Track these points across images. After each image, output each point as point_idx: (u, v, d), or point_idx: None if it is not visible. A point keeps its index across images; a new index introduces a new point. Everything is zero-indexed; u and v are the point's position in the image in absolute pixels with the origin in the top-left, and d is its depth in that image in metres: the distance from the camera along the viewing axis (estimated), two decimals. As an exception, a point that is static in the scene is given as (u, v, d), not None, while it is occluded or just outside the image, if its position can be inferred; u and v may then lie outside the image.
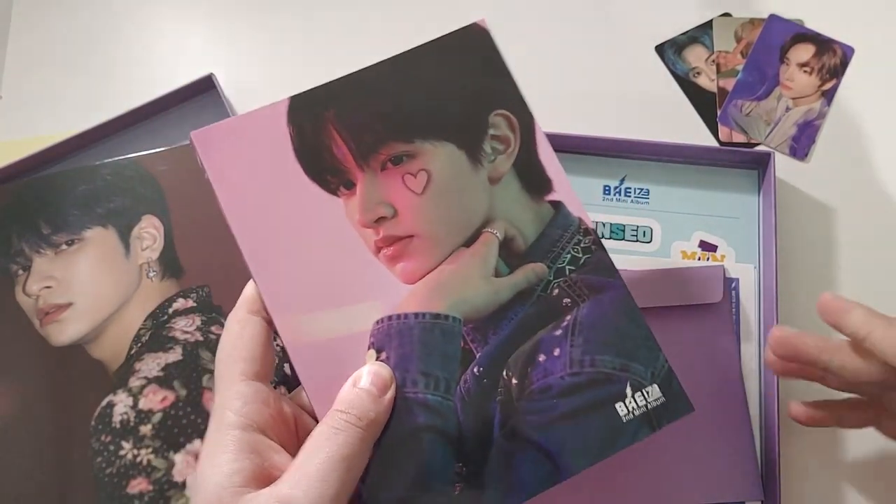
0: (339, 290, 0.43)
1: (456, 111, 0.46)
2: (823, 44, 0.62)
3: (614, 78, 0.63)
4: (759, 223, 0.57)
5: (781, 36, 0.63)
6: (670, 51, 0.63)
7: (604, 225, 0.57)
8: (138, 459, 0.49)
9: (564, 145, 0.58)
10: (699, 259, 0.56)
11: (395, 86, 0.46)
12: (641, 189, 0.58)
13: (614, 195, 0.58)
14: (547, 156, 0.46)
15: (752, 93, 0.62)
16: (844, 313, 0.43)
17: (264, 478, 0.36)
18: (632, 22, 0.64)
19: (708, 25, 0.64)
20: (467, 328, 0.42)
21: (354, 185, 0.44)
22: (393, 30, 0.65)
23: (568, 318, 0.43)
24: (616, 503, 0.51)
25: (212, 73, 0.60)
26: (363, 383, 0.39)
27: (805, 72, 0.62)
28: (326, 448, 0.36)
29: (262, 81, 0.64)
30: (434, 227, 0.44)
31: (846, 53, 0.62)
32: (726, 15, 0.64)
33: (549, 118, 0.61)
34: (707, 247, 0.57)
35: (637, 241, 0.57)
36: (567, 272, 0.44)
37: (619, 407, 0.42)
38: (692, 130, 0.61)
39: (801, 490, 0.52)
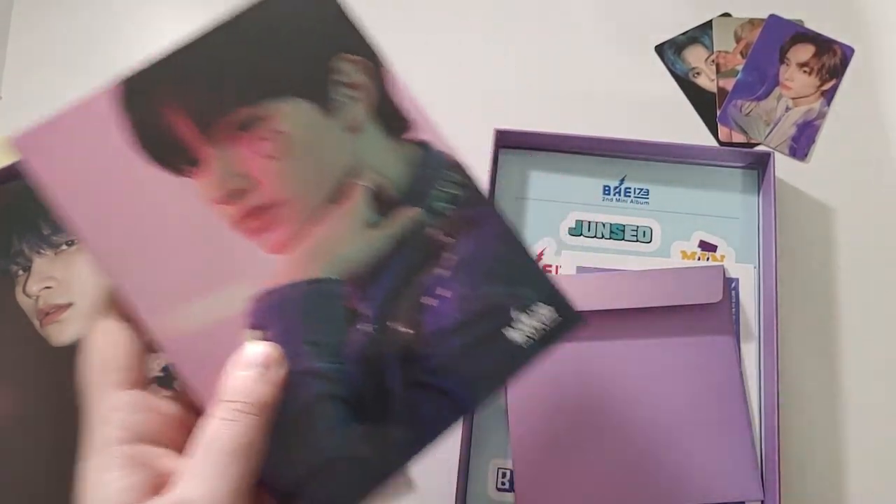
0: (207, 276, 0.41)
1: (298, 64, 0.44)
2: (823, 44, 0.62)
3: (614, 78, 0.63)
4: (758, 223, 0.57)
5: (781, 36, 0.63)
6: (670, 51, 0.63)
7: (604, 225, 0.57)
8: None
9: (564, 145, 0.59)
10: (699, 259, 0.56)
11: (229, 50, 0.43)
12: (641, 189, 0.58)
13: (614, 195, 0.58)
14: (403, 94, 0.44)
15: (751, 93, 0.62)
16: None
17: (159, 487, 0.34)
18: (632, 22, 0.64)
19: (707, 25, 0.64)
20: (348, 287, 0.41)
21: (203, 161, 0.41)
22: (392, 26, 0.65)
23: (449, 256, 0.42)
24: (616, 502, 0.51)
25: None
26: (247, 367, 0.38)
27: (805, 72, 0.62)
28: (219, 442, 0.35)
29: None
30: (296, 190, 0.42)
31: (846, 53, 0.62)
32: (726, 15, 0.64)
33: (550, 118, 0.62)
34: (707, 247, 0.57)
35: (637, 241, 0.57)
36: (442, 211, 0.43)
37: (512, 332, 0.42)
38: (692, 130, 0.61)
39: (801, 490, 0.52)
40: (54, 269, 0.54)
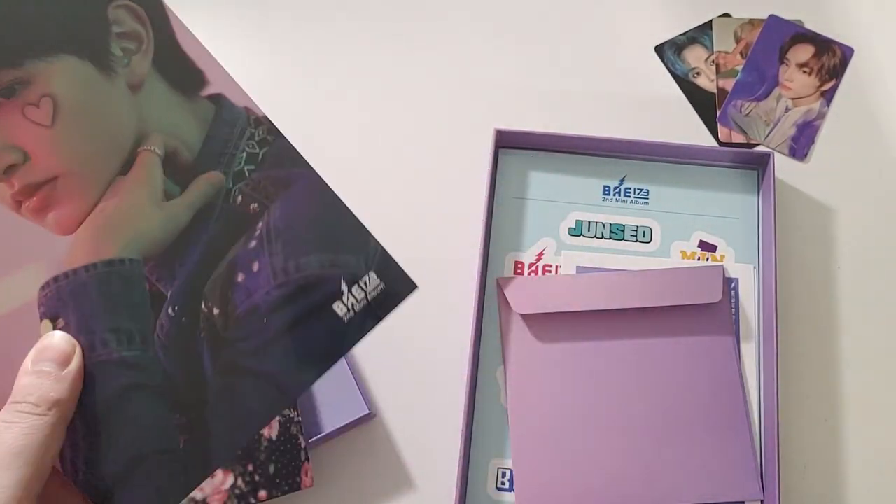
0: None
1: (66, 16, 0.38)
2: (823, 44, 0.63)
3: (614, 78, 0.63)
4: (758, 223, 0.57)
5: (781, 36, 0.63)
6: (670, 51, 0.63)
7: (604, 225, 0.57)
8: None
9: (564, 145, 0.59)
10: (699, 259, 0.56)
11: None
12: (641, 189, 0.58)
13: (614, 195, 0.58)
14: (191, 44, 0.39)
15: (751, 93, 0.62)
16: None
17: None
18: (631, 22, 0.65)
19: (707, 26, 0.64)
20: (149, 266, 0.38)
21: None
22: (392, 26, 0.65)
23: (260, 225, 0.38)
24: (615, 502, 0.51)
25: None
26: (39, 362, 0.35)
27: (804, 72, 0.62)
28: (2, 445, 0.33)
29: (261, 81, 0.64)
30: (78, 161, 0.37)
31: (846, 54, 0.62)
32: (726, 15, 0.64)
33: (550, 118, 0.62)
34: (707, 247, 0.57)
35: (637, 241, 0.57)
36: (247, 174, 0.38)
37: (338, 306, 0.38)
38: (692, 131, 0.61)
39: (800, 490, 0.52)
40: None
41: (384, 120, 0.62)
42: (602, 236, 0.57)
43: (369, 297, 0.38)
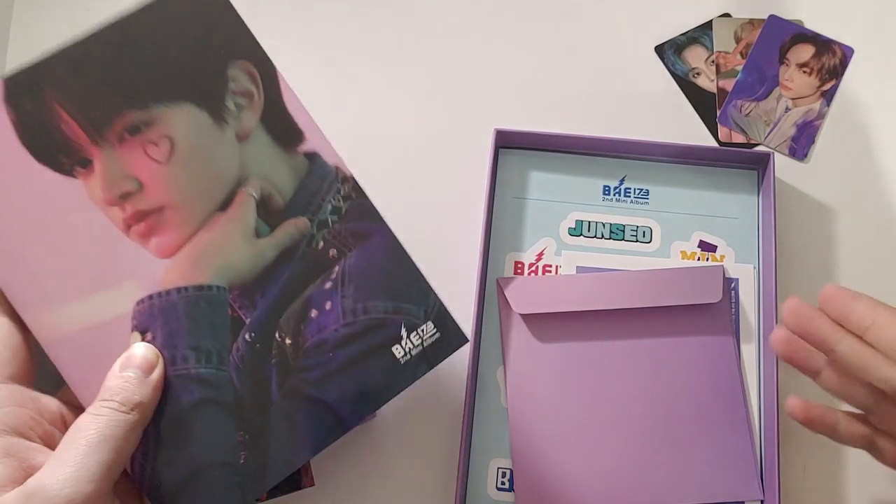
0: (91, 276, 0.41)
1: (190, 69, 0.43)
2: (823, 44, 0.62)
3: (614, 78, 0.63)
4: (758, 223, 0.57)
5: (781, 36, 0.63)
6: (670, 51, 0.63)
7: (604, 225, 0.57)
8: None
9: (564, 145, 0.59)
10: (699, 259, 0.56)
11: (120, 51, 0.42)
12: (641, 189, 0.58)
13: (614, 195, 0.58)
14: (295, 106, 0.44)
15: (751, 93, 0.62)
16: (852, 301, 0.40)
17: (23, 480, 0.35)
18: (632, 22, 0.64)
19: (707, 26, 0.64)
20: (233, 295, 0.42)
21: (92, 162, 0.41)
22: (392, 26, 0.65)
23: (336, 269, 0.43)
24: (615, 502, 0.51)
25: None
26: (126, 368, 0.39)
27: (804, 72, 0.62)
28: (82, 432, 0.36)
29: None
30: (184, 196, 0.42)
31: (846, 54, 0.62)
32: (726, 15, 0.64)
33: (550, 118, 0.62)
34: (707, 247, 0.57)
35: (637, 241, 0.57)
36: (330, 223, 0.43)
37: (396, 349, 0.43)
38: (692, 131, 0.61)
39: (800, 490, 0.52)
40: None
41: (384, 119, 0.62)
42: (602, 236, 0.57)
43: (425, 344, 0.43)
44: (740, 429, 0.52)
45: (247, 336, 0.42)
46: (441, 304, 0.43)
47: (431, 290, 0.43)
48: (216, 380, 0.41)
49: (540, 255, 0.56)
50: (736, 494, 0.51)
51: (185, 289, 0.42)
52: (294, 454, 0.41)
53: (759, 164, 0.58)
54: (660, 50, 0.64)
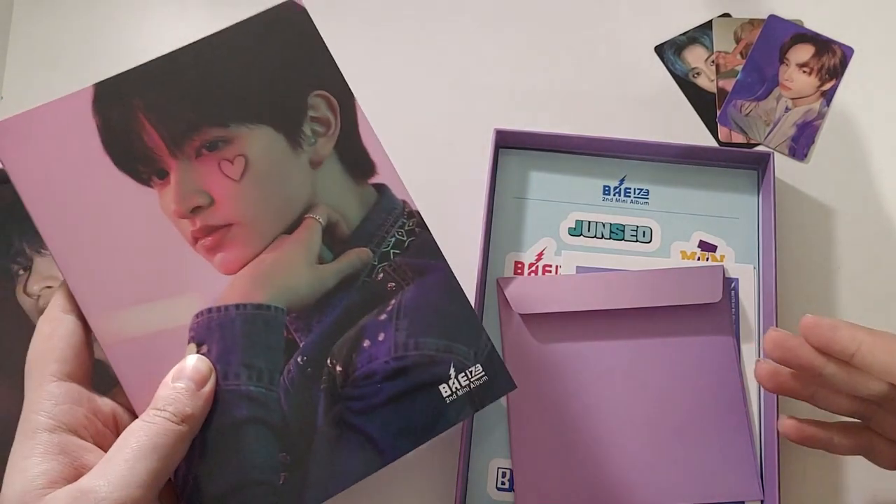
0: (156, 284, 0.42)
1: (272, 93, 0.44)
2: (823, 44, 0.63)
3: (614, 78, 0.63)
4: (758, 223, 0.57)
5: (781, 36, 0.63)
6: (670, 51, 0.63)
7: (604, 225, 0.57)
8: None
9: (564, 145, 0.59)
10: (699, 259, 0.56)
11: (206, 69, 0.43)
12: (641, 189, 0.58)
13: (614, 195, 0.58)
14: (369, 138, 0.45)
15: (751, 93, 0.62)
16: (830, 331, 0.41)
17: (74, 478, 0.35)
18: (631, 22, 0.64)
19: (707, 26, 0.64)
20: (291, 317, 0.42)
21: (168, 174, 0.42)
22: (391, 26, 0.65)
23: (392, 302, 0.43)
24: (615, 502, 0.51)
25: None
26: (179, 379, 0.39)
27: (804, 72, 0.62)
28: (133, 438, 0.36)
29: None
30: (253, 215, 0.43)
31: (845, 54, 0.62)
32: (726, 15, 0.64)
33: (550, 118, 0.62)
34: (706, 247, 0.57)
35: (637, 241, 0.57)
36: (391, 256, 0.44)
37: (443, 388, 0.42)
38: (692, 131, 0.61)
39: (800, 490, 0.52)
40: (54, 269, 0.54)
41: (384, 119, 0.62)
42: (602, 236, 0.57)
43: (472, 386, 0.42)
44: (740, 428, 0.52)
45: (299, 359, 0.42)
46: (492, 346, 0.43)
47: (484, 331, 0.43)
48: (265, 399, 0.41)
49: (540, 255, 0.57)
50: (736, 494, 0.51)
51: (244, 306, 0.42)
52: (332, 481, 0.41)
53: (758, 164, 0.58)
54: (660, 50, 0.64)
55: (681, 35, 0.64)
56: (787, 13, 0.64)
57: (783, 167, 0.59)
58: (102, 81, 0.43)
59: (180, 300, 0.42)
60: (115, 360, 0.41)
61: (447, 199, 0.59)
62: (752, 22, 0.64)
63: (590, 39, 0.64)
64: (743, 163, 0.58)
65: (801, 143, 0.60)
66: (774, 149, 0.60)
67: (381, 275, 0.43)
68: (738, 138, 0.61)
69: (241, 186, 0.43)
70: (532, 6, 0.65)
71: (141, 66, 0.43)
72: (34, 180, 0.42)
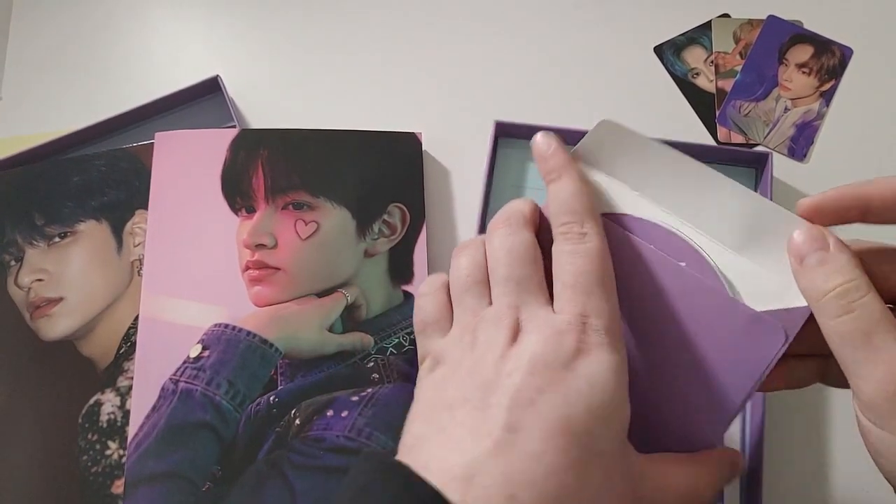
0: (201, 289, 0.50)
1: (364, 188, 0.53)
2: (822, 44, 0.62)
3: (614, 78, 0.63)
4: (757, 222, 0.56)
5: (780, 37, 0.63)
6: (669, 52, 0.63)
7: (601, 223, 0.57)
8: (124, 460, 0.49)
9: (563, 139, 0.58)
10: (697, 258, 0.56)
11: (325, 151, 0.53)
12: (639, 188, 0.58)
13: (611, 193, 0.57)
14: (420, 254, 0.52)
15: (750, 93, 0.61)
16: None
17: None
18: (631, 22, 0.64)
19: (707, 26, 0.64)
20: (283, 362, 0.48)
21: (255, 212, 0.52)
22: (392, 19, 0.65)
23: (369, 390, 0.48)
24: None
25: (217, 75, 0.59)
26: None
27: (804, 72, 0.62)
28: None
29: (264, 82, 0.64)
30: (300, 270, 0.50)
31: (845, 54, 0.62)
32: (725, 16, 0.64)
33: (549, 118, 0.61)
34: (705, 246, 0.56)
35: (634, 239, 0.56)
36: (387, 352, 0.49)
37: None
38: (691, 131, 0.61)
39: (787, 492, 0.51)
40: (46, 262, 0.54)
41: (383, 114, 0.62)
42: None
43: None
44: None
45: (271, 398, 0.48)
46: None
47: None
48: (229, 416, 0.47)
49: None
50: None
51: (254, 335, 0.48)
52: None
53: (757, 165, 0.58)
54: (659, 50, 0.63)
55: (680, 35, 0.64)
56: (786, 13, 0.63)
57: (782, 167, 0.59)
58: (248, 129, 0.54)
59: (210, 308, 0.50)
60: (143, 330, 0.49)
61: (446, 189, 0.58)
62: (751, 22, 0.63)
63: (590, 39, 0.64)
64: (742, 163, 0.58)
65: (801, 144, 0.60)
66: (773, 149, 0.60)
67: (371, 364, 0.49)
68: (738, 138, 0.60)
69: (304, 245, 0.51)
70: (532, 5, 0.65)
71: (279, 129, 0.54)
72: (164, 181, 0.53)
